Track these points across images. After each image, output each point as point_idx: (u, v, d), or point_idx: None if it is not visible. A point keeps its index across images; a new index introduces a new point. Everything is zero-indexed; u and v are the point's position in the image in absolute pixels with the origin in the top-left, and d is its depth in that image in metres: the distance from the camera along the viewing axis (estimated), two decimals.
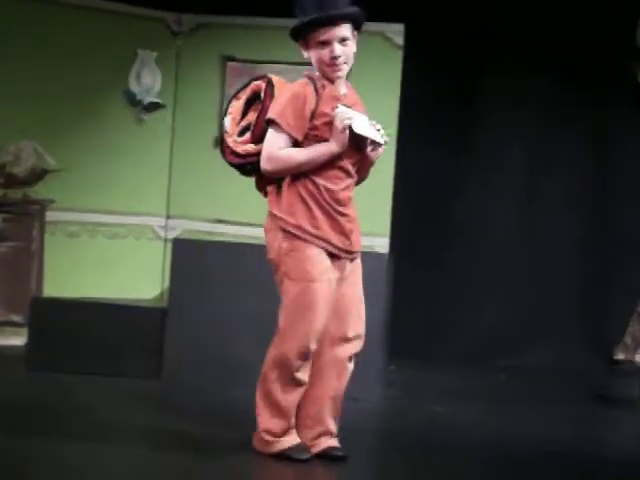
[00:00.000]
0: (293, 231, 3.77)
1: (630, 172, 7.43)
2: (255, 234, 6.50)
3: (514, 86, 7.43)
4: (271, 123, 3.77)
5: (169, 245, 6.20)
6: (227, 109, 3.97)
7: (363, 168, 3.95)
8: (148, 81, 6.87)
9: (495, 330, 7.39)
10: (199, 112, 6.85)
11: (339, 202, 3.81)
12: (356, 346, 3.94)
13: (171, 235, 6.68)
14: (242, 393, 5.36)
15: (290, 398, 3.85)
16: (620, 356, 7.39)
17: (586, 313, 7.46)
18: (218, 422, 4.65)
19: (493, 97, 7.49)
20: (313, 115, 3.76)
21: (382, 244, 6.60)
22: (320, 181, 3.78)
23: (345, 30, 3.79)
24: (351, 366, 3.98)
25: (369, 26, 6.75)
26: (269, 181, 3.88)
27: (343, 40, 3.78)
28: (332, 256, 3.81)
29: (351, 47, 3.82)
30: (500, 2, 7.32)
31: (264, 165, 3.77)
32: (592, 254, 7.51)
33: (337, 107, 3.76)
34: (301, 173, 3.78)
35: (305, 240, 3.76)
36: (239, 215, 6.67)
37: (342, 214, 3.82)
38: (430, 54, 7.33)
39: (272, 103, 3.81)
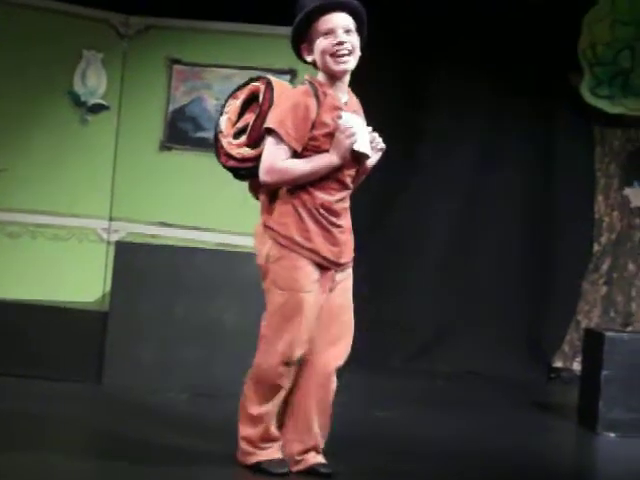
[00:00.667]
0: (283, 242, 3.69)
1: (571, 175, 7.53)
2: (200, 237, 6.52)
3: (459, 90, 7.50)
4: (271, 132, 3.65)
5: (112, 248, 6.15)
6: (223, 108, 3.84)
7: (358, 177, 3.85)
8: (93, 82, 6.81)
9: (434, 336, 7.44)
10: (144, 115, 6.80)
11: (333, 213, 3.73)
12: (342, 357, 3.85)
13: (114, 238, 6.62)
14: (183, 395, 5.40)
15: (268, 409, 3.77)
16: (558, 364, 7.50)
17: (525, 321, 7.54)
18: (160, 425, 4.62)
19: (438, 99, 7.55)
20: (313, 125, 3.65)
21: None
22: (316, 192, 3.69)
23: (348, 20, 3.68)
24: (335, 380, 3.88)
25: None
26: (262, 186, 3.78)
27: (347, 31, 3.67)
28: (321, 267, 3.73)
29: (356, 39, 3.70)
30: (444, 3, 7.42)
31: (264, 177, 3.66)
32: (532, 261, 7.59)
33: (340, 116, 3.65)
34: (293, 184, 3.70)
35: (292, 251, 3.69)
36: (184, 218, 6.65)
37: (336, 225, 3.74)
38: (379, 56, 7.35)
39: (272, 110, 3.68)
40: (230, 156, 3.76)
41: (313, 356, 3.76)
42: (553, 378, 7.43)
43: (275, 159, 3.64)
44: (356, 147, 3.66)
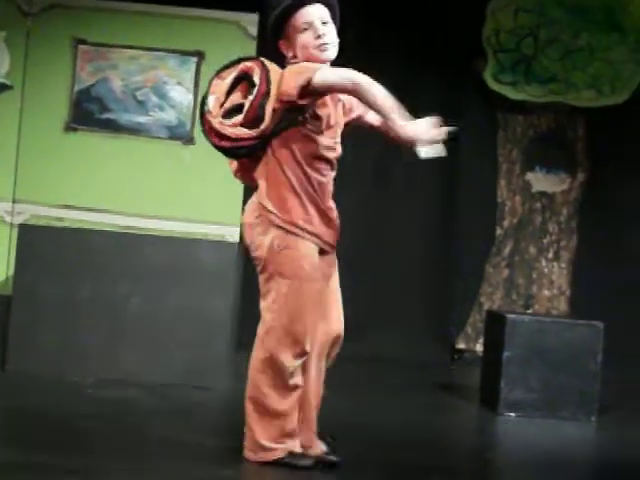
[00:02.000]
0: (287, 227, 3.65)
1: (475, 160, 7.65)
2: (106, 220, 6.46)
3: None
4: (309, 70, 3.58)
5: (15, 231, 6.06)
6: (209, 88, 3.75)
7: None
8: None
9: (353, 320, 7.48)
10: (49, 95, 6.69)
11: (327, 194, 3.75)
12: (338, 345, 3.88)
13: (18, 220, 6.52)
14: (88, 380, 5.35)
15: (288, 403, 3.72)
16: (461, 345, 7.63)
17: (429, 303, 7.64)
18: (65, 411, 4.59)
19: None
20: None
21: (232, 233, 6.61)
22: (311, 173, 3.69)
23: (324, 12, 3.70)
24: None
25: (223, 14, 6.89)
26: (257, 172, 3.74)
27: (324, 23, 3.69)
28: (322, 252, 3.73)
29: (333, 29, 3.72)
30: None
31: (356, 78, 3.56)
32: (436, 244, 7.69)
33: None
34: (294, 165, 3.67)
35: (299, 236, 3.65)
36: (89, 201, 6.57)
37: (329, 208, 3.76)
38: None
39: (284, 81, 3.61)
40: (223, 136, 3.67)
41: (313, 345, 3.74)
42: (456, 359, 7.56)
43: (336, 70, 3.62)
44: (425, 155, 3.60)
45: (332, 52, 3.72)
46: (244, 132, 3.65)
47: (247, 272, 6.31)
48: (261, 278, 3.72)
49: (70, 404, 4.79)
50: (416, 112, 7.68)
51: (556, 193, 7.70)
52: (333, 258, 3.84)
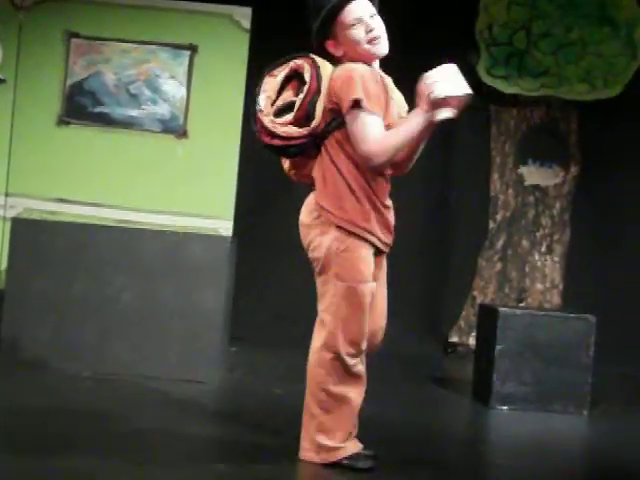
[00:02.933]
0: (346, 226, 3.60)
1: (468, 153, 7.66)
2: (99, 214, 6.47)
3: None
4: (355, 106, 3.52)
5: (8, 224, 6.06)
6: (260, 86, 3.70)
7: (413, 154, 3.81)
8: None
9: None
10: (42, 88, 6.69)
11: (384, 194, 3.70)
12: (379, 337, 3.90)
13: (11, 214, 6.52)
14: (83, 374, 5.37)
15: (356, 390, 3.78)
16: (454, 339, 7.65)
17: (422, 297, 7.66)
18: (59, 403, 4.60)
19: None
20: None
21: (226, 227, 6.62)
22: (368, 172, 3.63)
23: (369, 5, 3.64)
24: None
25: (215, 8, 6.88)
26: (313, 170, 3.70)
27: (372, 16, 3.63)
28: (377, 252, 3.70)
29: (382, 24, 3.66)
30: None
31: (375, 160, 3.54)
32: (429, 237, 7.70)
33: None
34: (349, 164, 3.61)
35: (357, 236, 3.60)
36: (83, 194, 6.58)
37: (386, 206, 3.71)
38: (279, 39, 7.37)
39: (346, 89, 3.53)
40: (274, 135, 3.61)
41: None
42: (450, 353, 7.58)
43: (376, 138, 3.53)
44: (441, 94, 3.53)
45: (384, 45, 3.66)
46: (295, 130, 3.60)
47: (240, 266, 6.34)
48: (318, 280, 3.71)
49: (64, 398, 4.80)
50: (409, 104, 7.74)
51: (549, 187, 7.72)
52: (384, 256, 3.80)
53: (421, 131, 3.59)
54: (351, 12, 3.60)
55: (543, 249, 7.71)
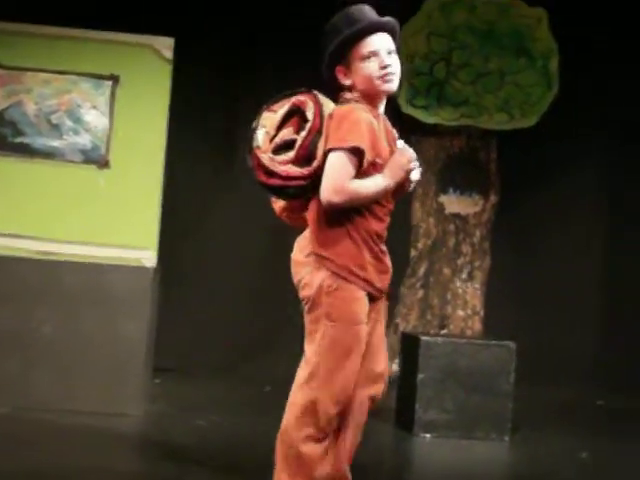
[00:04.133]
0: (340, 272, 3.41)
1: None
2: (18, 245, 6.38)
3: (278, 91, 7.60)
4: (340, 150, 3.36)
5: None
6: (258, 121, 3.55)
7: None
8: None
9: (257, 341, 7.50)
10: None
11: (382, 240, 3.53)
12: (380, 387, 3.66)
13: None
14: (3, 409, 5.28)
15: (321, 448, 3.51)
16: None
17: None
18: None
19: (253, 108, 7.60)
20: (374, 150, 3.42)
21: (149, 257, 6.58)
22: (370, 218, 3.46)
23: (389, 41, 3.49)
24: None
25: (137, 38, 6.87)
26: (308, 212, 3.52)
27: (389, 52, 3.48)
28: (371, 298, 3.51)
29: (398, 61, 3.52)
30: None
31: (332, 197, 3.34)
32: None
33: (397, 142, 3.48)
34: (350, 209, 3.42)
35: (350, 281, 3.42)
36: (2, 226, 6.49)
37: (383, 252, 3.54)
38: (201, 69, 7.42)
39: (337, 128, 3.37)
40: (272, 173, 3.43)
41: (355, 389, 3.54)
42: None
43: (345, 179, 3.35)
44: (414, 176, 3.52)
45: (395, 83, 3.51)
46: (295, 170, 3.42)
47: (162, 297, 6.31)
48: (307, 318, 3.50)
49: None
50: None
51: (469, 215, 7.84)
52: (382, 302, 3.63)
53: (379, 193, 3.44)
54: (369, 44, 3.45)
55: (464, 276, 7.81)
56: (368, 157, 3.37)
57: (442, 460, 5.06)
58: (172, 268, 7.15)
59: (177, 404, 6.00)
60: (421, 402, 5.43)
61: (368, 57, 3.44)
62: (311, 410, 3.45)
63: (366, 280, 3.45)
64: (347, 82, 3.49)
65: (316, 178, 3.42)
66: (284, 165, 3.43)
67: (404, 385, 5.75)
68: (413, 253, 7.81)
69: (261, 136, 3.50)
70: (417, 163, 3.53)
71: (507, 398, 5.45)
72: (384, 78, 3.44)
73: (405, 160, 3.45)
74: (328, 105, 3.49)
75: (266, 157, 3.45)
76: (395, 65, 3.49)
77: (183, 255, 7.45)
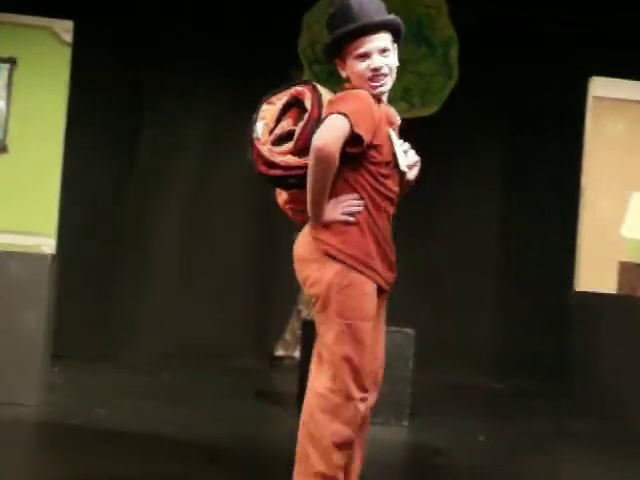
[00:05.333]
0: (348, 262, 3.33)
1: None
2: None
3: (187, 85, 7.56)
4: (340, 114, 3.28)
5: None
6: (257, 114, 3.48)
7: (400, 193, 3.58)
8: None
9: (160, 329, 7.47)
10: None
11: (388, 230, 3.45)
12: (379, 380, 3.57)
13: None
14: None
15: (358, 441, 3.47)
16: (280, 352, 7.73)
17: (249, 311, 7.70)
18: None
19: (166, 97, 7.56)
20: (374, 135, 3.36)
21: (48, 244, 6.50)
22: (371, 206, 3.38)
23: (385, 40, 3.41)
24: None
25: (36, 20, 6.75)
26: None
27: (383, 51, 3.40)
28: (379, 291, 3.43)
29: (393, 59, 3.43)
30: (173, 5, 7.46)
31: (325, 149, 3.25)
32: (255, 252, 7.75)
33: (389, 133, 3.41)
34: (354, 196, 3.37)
35: (361, 272, 3.34)
36: None
37: (388, 243, 3.46)
38: (101, 52, 7.31)
39: (335, 103, 3.34)
40: (272, 164, 3.39)
41: None
42: (275, 366, 7.65)
43: (338, 139, 3.27)
44: (410, 175, 3.49)
45: (387, 85, 3.44)
46: (295, 160, 3.38)
47: (63, 283, 6.22)
48: (318, 317, 3.42)
49: None
50: (236, 123, 7.81)
51: None
52: (385, 295, 3.53)
53: (312, 194, 3.35)
54: (361, 45, 3.39)
55: None
56: (362, 125, 3.29)
57: None
58: (77, 255, 7.08)
59: (76, 392, 5.93)
60: None
61: (360, 57, 3.39)
62: (343, 412, 3.36)
63: (375, 270, 3.37)
64: (344, 74, 3.48)
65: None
66: (283, 156, 3.39)
67: (306, 372, 5.76)
68: None
69: (260, 128, 3.46)
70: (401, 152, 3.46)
71: (406, 383, 5.51)
72: (373, 80, 3.39)
73: (338, 208, 3.35)
74: (327, 95, 3.45)
75: (265, 148, 3.41)
76: (387, 66, 3.41)
77: (88, 242, 7.36)
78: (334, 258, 3.33)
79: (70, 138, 6.83)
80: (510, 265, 7.88)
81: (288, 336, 7.73)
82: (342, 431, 3.36)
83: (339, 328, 3.34)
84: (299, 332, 7.33)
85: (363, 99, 3.35)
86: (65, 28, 6.75)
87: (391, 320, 6.97)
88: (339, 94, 3.41)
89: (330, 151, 3.27)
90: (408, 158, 3.50)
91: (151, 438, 4.85)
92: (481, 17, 7.55)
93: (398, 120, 3.58)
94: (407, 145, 3.53)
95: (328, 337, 3.36)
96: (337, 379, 3.36)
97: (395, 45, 3.45)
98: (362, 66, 3.38)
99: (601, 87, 7.33)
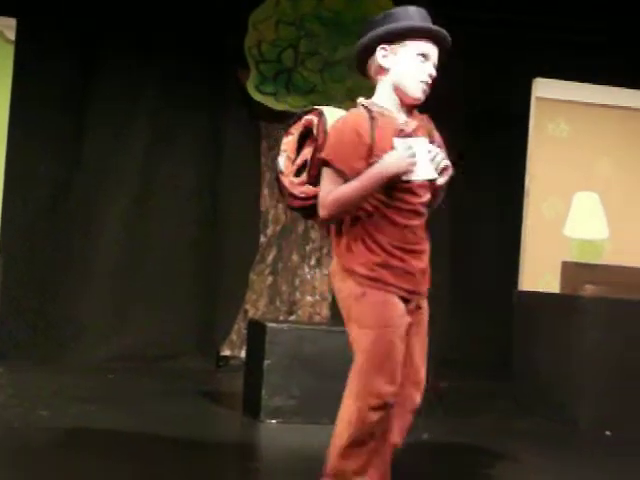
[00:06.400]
0: (356, 278, 3.39)
1: (239, 169, 7.77)
2: None
3: (131, 84, 7.52)
4: (325, 163, 3.35)
5: None
6: (280, 147, 3.53)
7: (434, 200, 3.56)
8: None
9: (103, 330, 7.42)
10: None
11: (411, 240, 3.44)
12: (419, 395, 3.58)
13: None
14: None
15: (364, 451, 3.45)
16: (227, 352, 7.72)
17: (195, 311, 7.68)
18: None
19: (110, 96, 7.51)
20: (371, 149, 3.33)
21: None
22: (394, 219, 3.39)
23: (436, 52, 3.43)
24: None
25: None
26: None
27: (435, 66, 3.42)
28: (404, 300, 3.44)
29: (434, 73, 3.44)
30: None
31: (320, 213, 3.36)
32: (202, 252, 7.73)
33: (394, 142, 3.36)
34: (369, 214, 3.38)
35: (368, 286, 3.38)
36: None
37: (414, 251, 3.45)
38: (44, 50, 7.24)
39: (326, 140, 3.37)
40: (294, 196, 3.45)
41: (398, 398, 3.48)
42: (221, 366, 7.63)
43: (325, 192, 3.33)
44: (413, 177, 3.38)
45: (422, 94, 3.43)
46: (311, 189, 3.42)
47: (4, 285, 6.16)
48: (347, 328, 3.50)
49: None
50: (181, 124, 7.78)
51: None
52: (422, 305, 3.55)
53: (368, 188, 3.36)
54: (426, 46, 3.39)
55: (312, 262, 7.89)
56: (341, 161, 3.32)
57: (288, 446, 5.10)
58: (21, 255, 7.01)
59: (18, 394, 5.87)
60: (267, 388, 5.46)
61: (420, 55, 3.38)
62: (355, 420, 3.41)
63: (385, 282, 3.40)
64: (377, 77, 3.45)
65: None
66: (302, 186, 3.44)
67: (251, 372, 5.77)
68: (262, 239, 7.84)
69: (282, 161, 3.50)
70: (425, 160, 3.39)
71: None
72: (421, 84, 3.38)
73: (395, 156, 3.33)
74: (334, 117, 3.44)
75: (287, 181, 3.47)
76: (433, 80, 3.42)
77: (32, 243, 7.29)
78: (349, 273, 3.41)
79: (13, 137, 6.76)
80: (455, 265, 7.93)
81: (234, 336, 7.72)
82: (343, 432, 3.44)
83: (361, 338, 3.40)
84: (245, 332, 7.32)
85: (344, 132, 3.34)
86: (8, 26, 6.68)
87: (339, 319, 7.02)
88: (334, 124, 3.38)
89: (331, 215, 3.35)
90: (433, 165, 3.42)
91: (95, 440, 4.81)
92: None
93: (427, 128, 3.50)
94: (435, 151, 3.43)
95: (354, 347, 3.44)
96: (355, 389, 3.42)
97: None
98: (418, 66, 3.37)
99: (544, 88, 7.40)
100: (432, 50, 3.40)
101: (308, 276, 7.87)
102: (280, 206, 7.84)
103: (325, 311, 7.86)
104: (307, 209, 3.47)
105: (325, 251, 7.90)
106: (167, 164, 7.62)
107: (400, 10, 3.43)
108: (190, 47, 7.54)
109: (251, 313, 7.70)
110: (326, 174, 3.36)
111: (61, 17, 7.28)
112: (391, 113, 3.41)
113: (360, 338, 3.41)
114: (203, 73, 7.65)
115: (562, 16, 7.71)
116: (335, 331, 5.62)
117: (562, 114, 7.44)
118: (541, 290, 6.79)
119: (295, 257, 7.87)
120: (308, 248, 7.89)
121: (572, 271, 6.38)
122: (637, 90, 7.44)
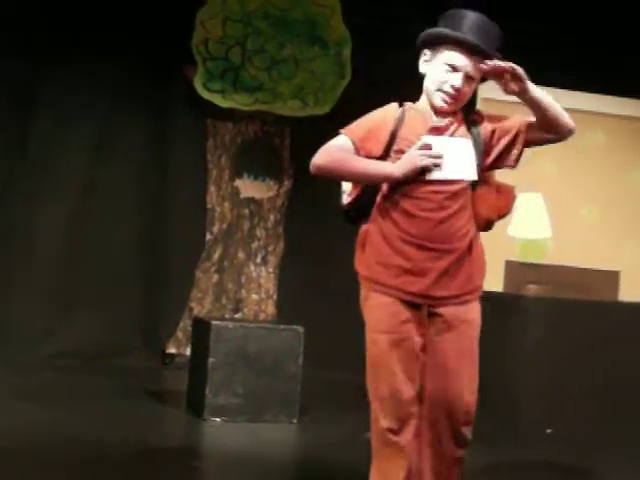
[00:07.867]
0: (363, 282, 3.36)
1: (185, 167, 7.75)
2: None
3: (78, 81, 7.46)
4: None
5: None
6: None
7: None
8: None
9: (45, 327, 7.35)
10: None
11: (424, 237, 3.27)
12: (463, 414, 3.34)
13: None
14: None
15: (390, 467, 3.34)
16: (172, 350, 7.69)
17: (140, 309, 7.64)
18: None
19: (57, 92, 7.45)
20: (393, 137, 3.29)
21: None
22: (407, 211, 3.29)
23: (473, 69, 3.30)
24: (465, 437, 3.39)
25: None
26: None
27: (468, 78, 3.30)
28: (412, 305, 3.28)
29: (471, 90, 3.35)
30: None
31: (314, 159, 3.29)
32: (147, 250, 7.70)
33: (420, 138, 3.29)
34: (381, 209, 3.33)
35: (368, 288, 3.34)
36: None
37: (430, 249, 3.27)
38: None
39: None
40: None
41: (427, 417, 3.33)
42: (167, 364, 7.60)
43: (332, 144, 3.32)
44: (436, 175, 3.29)
45: (452, 107, 3.35)
46: (347, 198, 3.47)
47: None
48: None
49: None
50: (128, 121, 7.73)
51: (264, 199, 7.91)
52: (442, 312, 3.33)
53: (372, 176, 3.33)
54: (454, 57, 3.28)
55: (258, 260, 7.88)
56: (356, 132, 3.32)
57: (231, 444, 5.10)
58: None
59: None
60: (211, 386, 5.45)
61: (450, 65, 3.29)
62: (376, 431, 3.36)
63: (382, 284, 3.31)
64: (422, 69, 3.39)
65: (359, 202, 3.41)
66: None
67: (195, 370, 5.76)
68: (208, 237, 7.82)
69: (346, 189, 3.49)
70: (460, 160, 3.33)
71: (295, 381, 5.54)
72: (444, 94, 3.32)
73: (415, 158, 3.27)
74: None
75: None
76: (466, 93, 3.35)
77: None
78: (359, 275, 3.40)
79: None
80: None
81: (180, 334, 7.69)
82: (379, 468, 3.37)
83: (367, 342, 3.34)
84: (190, 330, 7.30)
85: (372, 115, 3.37)
86: None
87: (284, 317, 7.03)
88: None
89: (316, 165, 3.32)
90: (466, 164, 3.34)
91: (35, 441, 4.77)
92: (372, 17, 7.63)
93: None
94: (467, 153, 3.36)
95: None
96: (374, 405, 3.34)
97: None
98: (445, 75, 3.30)
99: (490, 89, 7.44)
100: (462, 61, 3.29)
101: (254, 274, 7.86)
102: (226, 204, 7.83)
103: (270, 309, 7.86)
104: (348, 213, 3.44)
105: (271, 249, 7.90)
106: (112, 161, 7.57)
107: (455, 13, 3.33)
108: (137, 45, 7.50)
109: (197, 311, 7.68)
110: (337, 138, 3.35)
111: (7, 17, 7.19)
112: (425, 113, 3.37)
113: (367, 342, 3.35)
114: (149, 72, 7.61)
115: (508, 16, 7.76)
116: (280, 329, 5.63)
117: (508, 114, 7.47)
118: (484, 289, 6.83)
119: (241, 255, 7.86)
120: (254, 246, 7.89)
121: (515, 270, 6.44)
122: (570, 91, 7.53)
